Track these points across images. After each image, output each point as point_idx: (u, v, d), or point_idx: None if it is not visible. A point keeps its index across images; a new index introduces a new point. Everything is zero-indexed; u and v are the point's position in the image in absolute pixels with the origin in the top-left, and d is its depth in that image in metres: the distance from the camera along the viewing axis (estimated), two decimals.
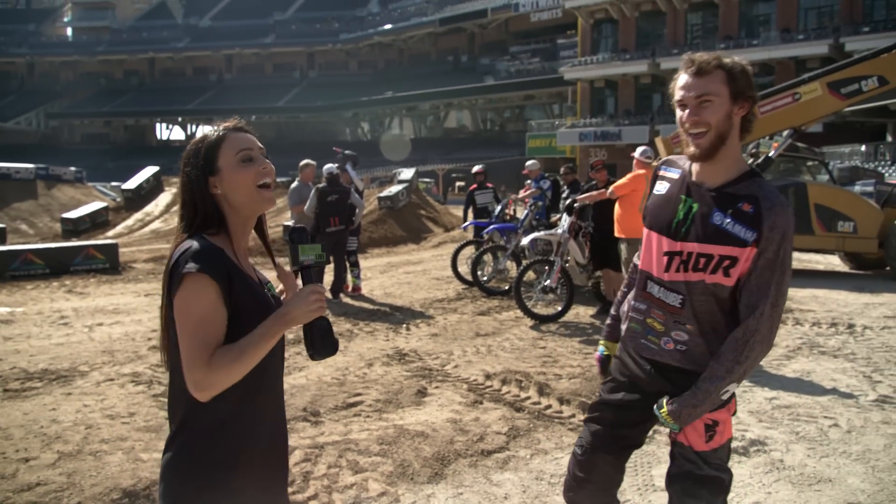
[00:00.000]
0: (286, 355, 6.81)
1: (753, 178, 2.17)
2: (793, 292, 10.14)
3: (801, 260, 14.37)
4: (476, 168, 12.74)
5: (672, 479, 2.29)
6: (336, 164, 10.35)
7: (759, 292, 2.10)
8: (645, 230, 2.38)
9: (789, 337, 7.45)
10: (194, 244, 1.74)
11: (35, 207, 24.26)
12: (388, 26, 67.71)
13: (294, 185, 10.41)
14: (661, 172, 2.39)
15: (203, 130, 1.89)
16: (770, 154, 12.76)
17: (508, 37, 62.30)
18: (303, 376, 6.00)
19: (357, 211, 10.00)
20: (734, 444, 4.44)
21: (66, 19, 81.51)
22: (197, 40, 74.15)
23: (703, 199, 2.18)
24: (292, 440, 4.56)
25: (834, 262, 14.02)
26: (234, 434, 1.77)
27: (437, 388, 5.69)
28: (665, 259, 2.24)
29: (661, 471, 4.08)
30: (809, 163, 13.27)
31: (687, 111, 2.14)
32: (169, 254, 1.80)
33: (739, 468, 4.15)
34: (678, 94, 2.17)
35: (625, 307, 2.51)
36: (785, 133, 12.69)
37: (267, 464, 1.85)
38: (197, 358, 1.66)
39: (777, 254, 2.08)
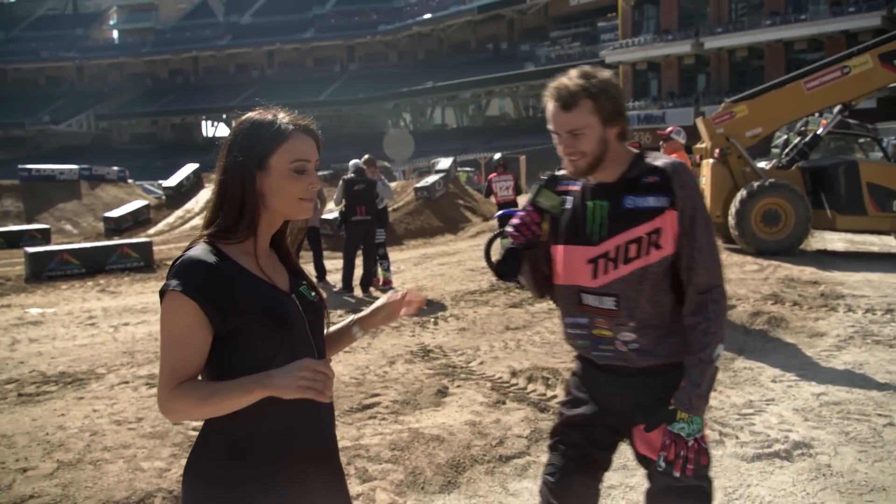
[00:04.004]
0: None
1: (642, 157, 2.19)
2: (844, 276, 9.59)
3: (854, 242, 13.68)
4: (497, 156, 12.41)
5: (652, 498, 2.19)
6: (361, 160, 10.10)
7: (695, 249, 2.09)
8: (560, 248, 2.27)
9: (840, 325, 6.97)
10: (192, 254, 1.62)
11: (79, 207, 24.65)
12: (426, 16, 67.25)
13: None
14: (562, 188, 2.32)
15: (264, 112, 1.71)
16: (818, 132, 12.17)
17: (548, 22, 61.36)
18: None
19: (379, 199, 9.77)
20: (776, 448, 4.09)
21: (111, 22, 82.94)
22: (238, 37, 74.77)
23: (609, 195, 2.17)
24: None
25: (890, 244, 13.29)
26: (259, 437, 1.63)
27: (458, 387, 5.41)
28: (591, 267, 2.18)
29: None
30: (861, 140, 12.57)
31: (561, 142, 2.14)
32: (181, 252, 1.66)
33: (781, 475, 3.78)
34: (550, 125, 2.17)
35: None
36: (835, 109, 12.09)
37: (306, 470, 1.68)
38: (163, 379, 1.59)
39: (695, 208, 2.09)
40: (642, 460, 2.21)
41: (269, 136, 1.66)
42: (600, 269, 2.15)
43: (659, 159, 2.16)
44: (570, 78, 2.11)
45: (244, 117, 1.71)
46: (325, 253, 14.40)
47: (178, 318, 1.57)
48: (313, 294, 1.81)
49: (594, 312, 2.20)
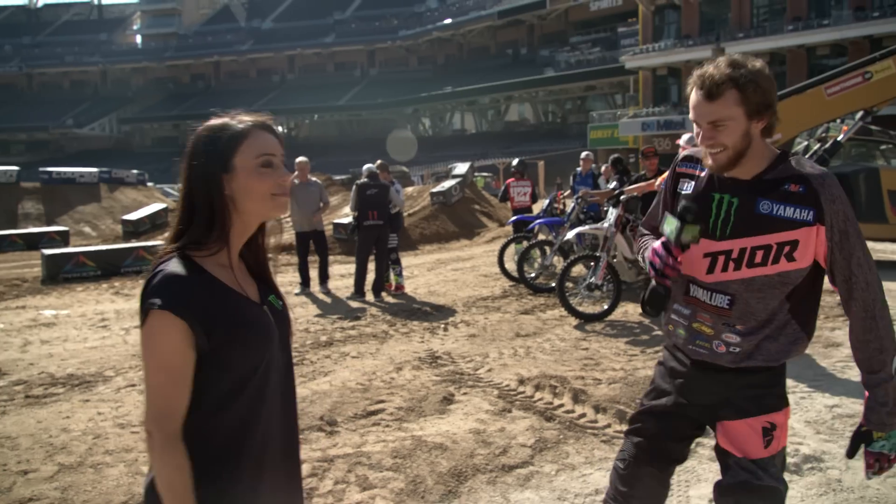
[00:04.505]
0: (314, 358, 6.53)
1: (786, 159, 2.07)
2: None
3: (875, 250, 13.44)
4: (515, 161, 12.38)
5: (725, 491, 2.14)
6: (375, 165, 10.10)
7: (852, 262, 2.00)
8: None
9: None
10: (169, 267, 1.53)
11: (98, 210, 24.84)
12: (446, 21, 67.41)
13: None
14: (683, 170, 2.26)
15: (221, 116, 1.66)
16: (839, 138, 11.97)
17: (568, 27, 61.27)
18: (327, 381, 5.74)
19: (391, 205, 9.75)
20: (787, 461, 3.98)
21: (135, 27, 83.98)
22: (260, 42, 75.39)
23: (741, 192, 2.06)
24: (303, 452, 4.27)
25: None
26: (225, 450, 1.57)
27: (465, 394, 5.34)
28: (707, 260, 2.12)
29: (699, 491, 3.67)
30: (883, 146, 12.37)
31: (701, 133, 2.04)
32: (150, 269, 1.57)
33: (790, 488, 3.67)
34: (692, 114, 2.07)
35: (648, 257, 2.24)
36: (857, 115, 11.90)
37: (268, 478, 1.63)
38: (156, 415, 1.50)
39: (847, 221, 1.99)
40: (720, 453, 2.20)
41: (229, 137, 1.60)
42: (718, 265, 2.10)
43: (806, 166, 2.05)
44: (718, 66, 2.00)
45: (201, 126, 1.65)
46: (340, 258, 14.45)
47: (166, 340, 1.48)
48: (280, 304, 1.75)
49: (699, 307, 2.16)
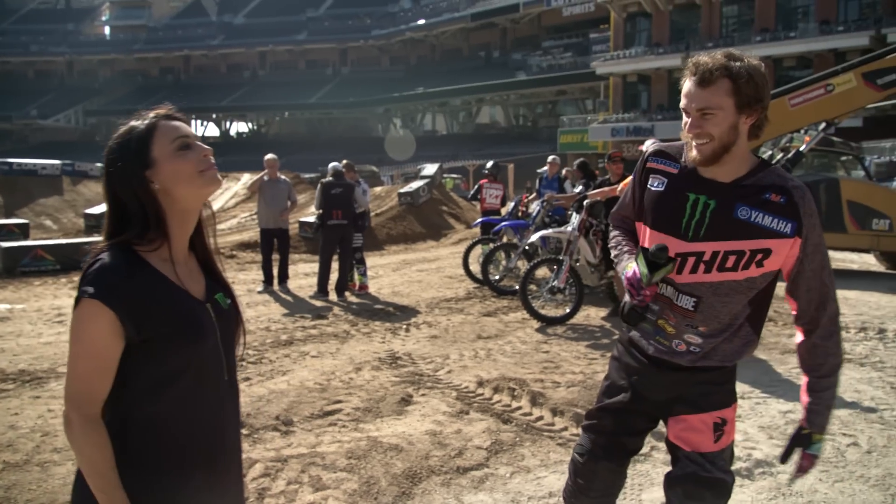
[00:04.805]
0: (273, 357, 6.44)
1: (768, 167, 2.09)
2: None
3: (834, 259, 13.64)
4: (490, 164, 12.56)
5: (673, 482, 2.23)
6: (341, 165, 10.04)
7: (823, 274, 2.06)
8: (646, 229, 2.22)
9: None
10: (104, 258, 1.55)
11: (60, 203, 24.39)
12: (420, 22, 67.31)
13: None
14: (653, 165, 2.22)
15: (126, 121, 1.68)
16: (801, 148, 12.17)
17: (541, 31, 61.51)
18: (285, 381, 5.68)
19: (356, 206, 9.68)
20: (738, 466, 4.02)
21: (103, 18, 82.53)
22: (231, 38, 74.58)
23: (718, 195, 2.06)
24: (256, 452, 4.26)
25: (869, 262, 13.32)
26: (160, 442, 1.58)
27: (423, 395, 5.32)
28: (677, 260, 2.11)
29: (652, 494, 3.69)
30: (844, 157, 12.62)
31: (689, 121, 2.03)
32: (90, 258, 1.57)
33: (741, 493, 3.72)
34: (682, 102, 2.06)
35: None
36: (819, 127, 12.10)
37: (199, 474, 1.63)
38: (74, 397, 1.53)
39: (819, 237, 2.04)
40: (671, 446, 2.28)
41: (139, 134, 1.62)
42: (687, 267, 2.10)
43: (787, 178, 2.06)
44: (713, 56, 2.00)
45: (111, 139, 1.65)
46: (305, 256, 14.34)
47: (94, 328, 1.50)
48: (228, 302, 1.75)
49: (665, 304, 2.18)
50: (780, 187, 2.02)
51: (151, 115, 1.66)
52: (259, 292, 9.83)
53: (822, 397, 2.14)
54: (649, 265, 2.06)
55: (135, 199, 1.59)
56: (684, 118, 2.06)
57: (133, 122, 1.65)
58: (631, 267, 2.15)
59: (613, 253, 2.46)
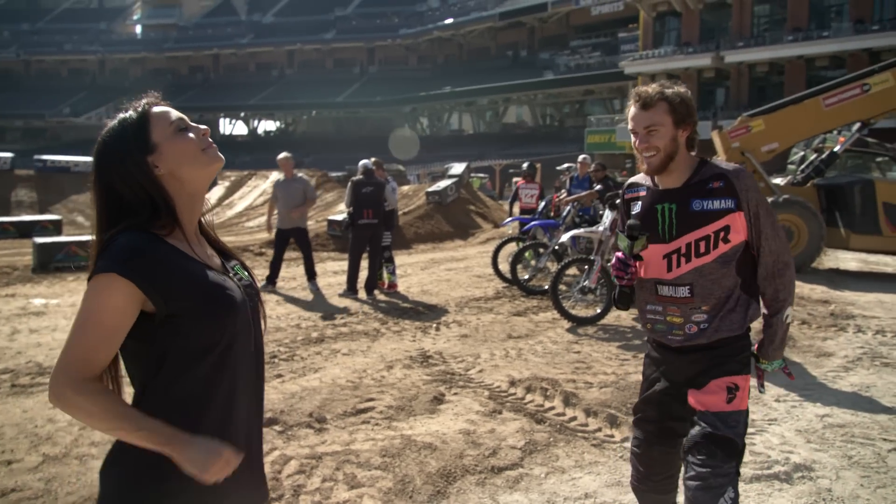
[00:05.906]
0: (305, 354, 6.48)
1: (705, 163, 2.55)
2: (856, 297, 9.44)
3: (868, 262, 13.49)
4: (525, 165, 12.56)
5: (688, 442, 2.46)
6: (371, 161, 10.04)
7: (762, 237, 2.47)
8: None
9: (849, 346, 6.83)
10: (123, 239, 1.52)
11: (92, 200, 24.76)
12: (447, 21, 67.33)
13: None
14: (630, 195, 2.70)
15: (114, 116, 1.66)
16: (836, 149, 11.99)
17: (569, 31, 61.24)
18: (317, 378, 5.71)
19: (386, 204, 9.68)
20: (776, 469, 3.98)
21: (135, 17, 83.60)
22: (260, 36, 75.12)
23: (676, 199, 2.51)
24: (291, 448, 4.28)
25: None
26: (185, 414, 1.57)
27: (455, 394, 5.32)
28: (665, 261, 2.53)
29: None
30: (879, 159, 12.38)
31: (638, 139, 2.50)
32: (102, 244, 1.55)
33: (779, 497, 3.67)
34: (630, 125, 2.53)
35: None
36: (854, 127, 11.92)
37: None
38: (69, 363, 1.48)
39: (758, 202, 2.46)
40: (691, 415, 2.53)
41: (134, 123, 1.61)
42: (674, 262, 2.50)
43: (721, 165, 2.52)
44: (651, 86, 2.50)
45: (100, 134, 1.64)
46: (334, 254, 14.39)
47: (106, 299, 1.48)
48: (246, 273, 1.77)
49: (668, 301, 2.54)
50: (719, 175, 2.47)
51: (139, 103, 1.65)
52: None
53: (768, 333, 2.56)
54: (628, 240, 2.52)
55: (139, 189, 1.57)
56: (632, 138, 2.54)
57: (121, 115, 1.64)
58: (615, 254, 2.59)
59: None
